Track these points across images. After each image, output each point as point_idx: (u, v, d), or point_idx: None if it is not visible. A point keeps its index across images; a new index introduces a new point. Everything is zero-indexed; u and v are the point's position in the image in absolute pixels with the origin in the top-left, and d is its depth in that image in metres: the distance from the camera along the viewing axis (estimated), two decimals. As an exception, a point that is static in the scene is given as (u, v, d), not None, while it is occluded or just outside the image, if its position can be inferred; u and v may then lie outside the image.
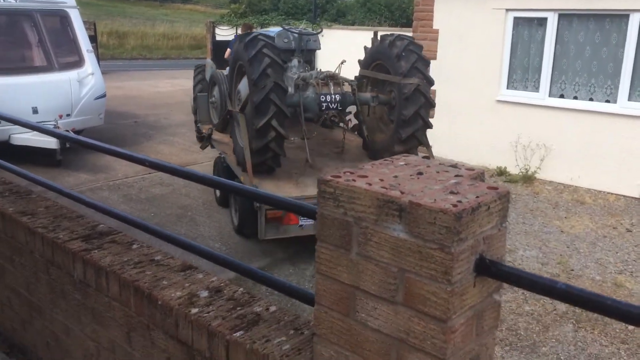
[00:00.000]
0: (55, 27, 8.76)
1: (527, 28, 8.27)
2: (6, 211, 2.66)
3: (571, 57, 7.92)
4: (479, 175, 1.51)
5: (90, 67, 8.71)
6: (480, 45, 8.60)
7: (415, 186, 1.35)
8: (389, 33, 6.27)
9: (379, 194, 1.31)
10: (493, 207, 1.30)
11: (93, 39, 14.62)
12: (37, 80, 8.07)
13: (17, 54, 8.44)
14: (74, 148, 8.26)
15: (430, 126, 5.93)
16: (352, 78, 6.54)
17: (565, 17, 7.87)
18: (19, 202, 2.77)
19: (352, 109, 6.55)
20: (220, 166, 6.66)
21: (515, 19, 8.30)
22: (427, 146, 6.02)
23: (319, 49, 7.43)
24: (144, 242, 2.39)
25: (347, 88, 6.25)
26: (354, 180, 1.40)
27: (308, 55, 7.17)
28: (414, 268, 1.26)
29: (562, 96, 8.06)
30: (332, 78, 6.19)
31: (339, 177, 1.43)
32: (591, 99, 7.81)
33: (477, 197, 1.28)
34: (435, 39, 9.10)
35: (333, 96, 6.02)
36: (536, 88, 8.25)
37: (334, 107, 6.09)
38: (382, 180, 1.40)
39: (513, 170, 8.32)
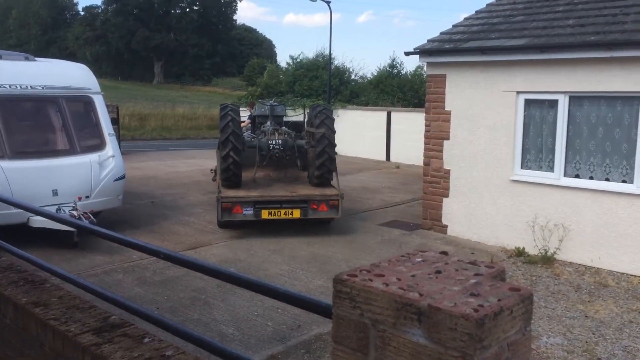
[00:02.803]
0: (79, 112, 9.09)
1: (539, 109, 8.40)
2: (19, 301, 2.64)
3: (584, 137, 7.98)
4: (499, 273, 1.47)
5: (111, 149, 8.94)
6: (493, 126, 8.71)
7: (434, 287, 1.32)
8: (317, 104, 11.38)
9: (397, 295, 1.27)
10: (516, 311, 1.25)
11: (115, 121, 15.08)
12: (58, 163, 8.27)
13: (41, 138, 8.71)
14: (90, 229, 8.31)
15: (333, 158, 9.27)
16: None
17: (576, 99, 7.99)
18: (33, 292, 2.74)
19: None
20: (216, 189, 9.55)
21: (527, 100, 8.45)
22: (335, 170, 9.43)
23: (285, 115, 11.51)
24: (155, 335, 2.33)
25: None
26: (370, 279, 1.37)
27: (278, 119, 11.03)
28: (436, 377, 1.20)
29: (577, 176, 8.04)
30: (277, 130, 10.15)
31: (355, 276, 1.40)
32: (607, 179, 7.78)
33: (499, 300, 1.24)
34: (448, 120, 9.25)
35: (277, 141, 9.80)
36: (551, 168, 8.26)
37: (278, 147, 9.77)
38: (399, 279, 1.36)
39: (531, 250, 8.17)
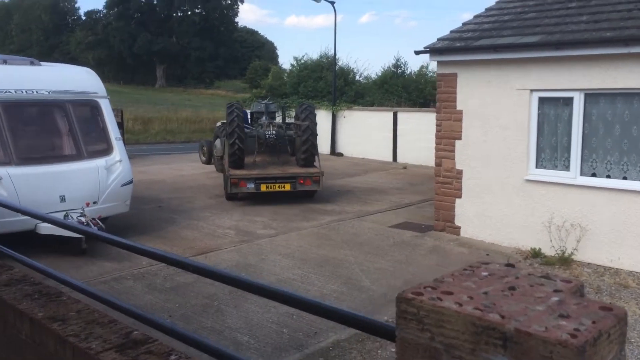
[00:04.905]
0: (85, 116, 8.95)
1: (553, 108, 8.24)
2: (35, 316, 2.49)
3: (600, 135, 7.82)
4: (578, 288, 1.32)
5: (119, 154, 8.80)
6: (506, 125, 8.55)
7: (514, 307, 1.17)
8: (303, 102, 14.27)
9: (475, 317, 1.13)
10: (613, 334, 1.10)
11: (120, 125, 14.93)
12: (65, 168, 8.14)
13: (48, 143, 8.57)
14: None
15: (315, 145, 11.80)
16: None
17: (592, 96, 7.83)
18: (49, 306, 2.60)
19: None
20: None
21: (541, 99, 8.29)
22: (317, 154, 11.86)
23: (277, 111, 15.03)
24: (182, 352, 2.19)
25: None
26: (439, 298, 1.22)
27: (272, 115, 14.16)
28: (527, 412, 1.05)
29: (594, 175, 7.88)
30: (271, 123, 13.10)
31: (421, 294, 1.25)
32: (625, 178, 7.61)
33: (594, 322, 1.09)
34: (460, 119, 9.10)
35: (271, 132, 12.58)
36: (566, 167, 8.10)
37: (272, 137, 12.52)
38: (471, 298, 1.21)
39: (548, 251, 8.01)
